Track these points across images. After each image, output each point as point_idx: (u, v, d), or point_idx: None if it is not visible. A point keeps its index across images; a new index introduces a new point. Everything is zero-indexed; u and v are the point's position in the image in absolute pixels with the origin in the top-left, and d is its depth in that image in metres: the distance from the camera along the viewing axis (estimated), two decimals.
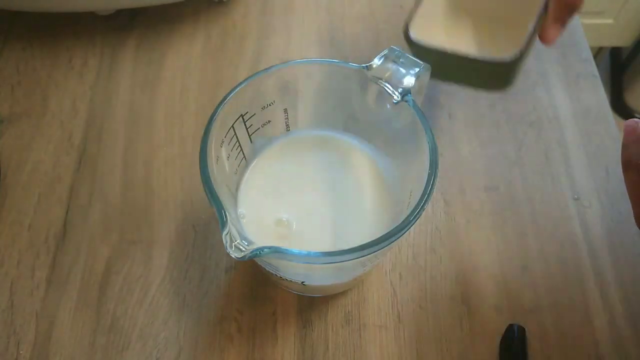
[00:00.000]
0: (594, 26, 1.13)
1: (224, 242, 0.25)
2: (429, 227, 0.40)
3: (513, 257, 0.39)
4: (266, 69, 0.32)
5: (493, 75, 0.38)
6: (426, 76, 0.32)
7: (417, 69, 0.31)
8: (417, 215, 0.27)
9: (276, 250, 0.25)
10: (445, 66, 0.37)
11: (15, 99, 0.45)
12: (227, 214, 0.26)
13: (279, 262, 0.29)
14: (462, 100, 0.46)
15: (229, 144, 0.32)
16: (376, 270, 0.38)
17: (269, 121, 0.35)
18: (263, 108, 0.33)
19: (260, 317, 0.36)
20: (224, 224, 0.25)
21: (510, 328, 0.35)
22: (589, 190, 0.42)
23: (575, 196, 0.41)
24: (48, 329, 0.35)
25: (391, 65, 0.31)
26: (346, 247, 0.26)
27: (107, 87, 0.46)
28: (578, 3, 0.35)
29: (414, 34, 0.36)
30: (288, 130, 0.37)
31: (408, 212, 0.27)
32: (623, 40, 1.18)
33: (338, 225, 0.34)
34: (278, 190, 0.35)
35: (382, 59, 0.31)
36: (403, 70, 0.31)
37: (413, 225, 0.27)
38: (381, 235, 0.26)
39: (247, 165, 0.36)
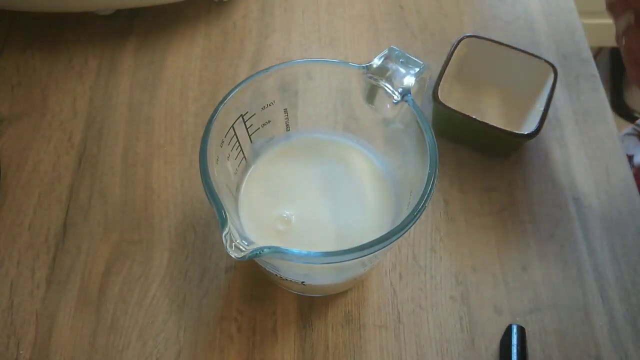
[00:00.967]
0: (594, 26, 1.13)
1: (224, 242, 0.25)
2: (429, 227, 0.40)
3: (513, 257, 0.39)
4: (266, 69, 0.32)
5: (505, 144, 0.41)
6: (426, 76, 0.32)
7: (417, 69, 0.31)
8: (417, 215, 0.27)
9: (276, 250, 0.25)
10: (461, 130, 0.42)
11: (15, 99, 0.45)
12: (227, 214, 0.26)
13: (279, 262, 0.29)
14: None
15: (229, 144, 0.32)
16: (376, 270, 0.38)
17: (269, 121, 0.35)
18: (263, 108, 0.33)
19: (260, 317, 0.36)
20: (224, 224, 0.25)
21: (510, 328, 0.35)
22: (589, 190, 0.42)
23: (575, 196, 0.41)
24: (48, 329, 0.35)
25: (391, 65, 0.31)
26: (346, 247, 0.26)
27: (107, 87, 0.46)
28: None
29: (441, 95, 0.40)
30: (288, 130, 0.37)
31: (408, 212, 0.27)
32: None
33: (338, 225, 0.34)
34: (278, 191, 0.35)
35: (382, 59, 0.31)
36: (403, 70, 0.31)
37: (413, 225, 0.27)
38: (381, 235, 0.26)
39: (247, 166, 0.36)
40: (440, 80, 0.41)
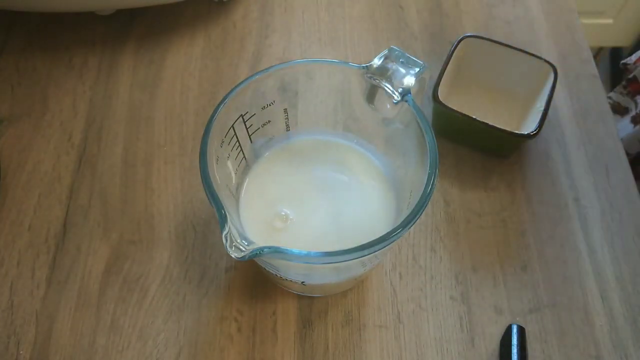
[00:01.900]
0: (594, 26, 1.13)
1: (224, 242, 0.25)
2: (429, 227, 0.40)
3: (513, 257, 0.39)
4: (266, 69, 0.32)
5: (505, 144, 0.42)
6: (426, 76, 0.32)
7: (417, 69, 0.31)
8: (417, 215, 0.27)
9: (276, 250, 0.25)
10: (461, 130, 0.42)
11: (15, 99, 0.45)
12: (227, 214, 0.26)
13: (279, 262, 0.29)
14: None
15: (229, 144, 0.32)
16: (376, 270, 0.38)
17: (269, 121, 0.35)
18: (263, 108, 0.33)
19: (260, 317, 0.36)
20: (224, 224, 0.25)
21: (510, 328, 0.35)
22: (589, 190, 0.42)
23: (575, 196, 0.41)
24: (48, 329, 0.35)
25: (391, 65, 0.31)
26: (346, 247, 0.26)
27: (107, 87, 0.46)
28: None
29: (441, 96, 0.40)
30: (288, 130, 0.37)
31: (408, 212, 0.27)
32: (623, 40, 1.18)
33: (338, 225, 0.34)
34: (278, 191, 0.35)
35: (382, 59, 0.31)
36: (403, 70, 0.31)
37: (413, 225, 0.27)
38: (381, 235, 0.26)
39: (247, 166, 0.36)
40: (440, 80, 0.41)
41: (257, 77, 0.31)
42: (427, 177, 0.28)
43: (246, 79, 0.31)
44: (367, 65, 0.31)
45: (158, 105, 0.45)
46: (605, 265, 0.39)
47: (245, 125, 0.33)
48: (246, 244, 0.25)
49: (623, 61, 0.61)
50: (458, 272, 0.38)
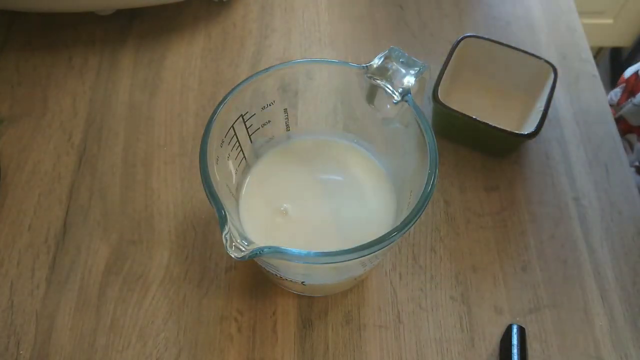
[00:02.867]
0: (594, 26, 1.13)
1: (224, 242, 0.25)
2: (429, 227, 0.40)
3: (513, 257, 0.39)
4: (266, 69, 0.32)
5: (505, 144, 0.42)
6: (426, 76, 0.32)
7: (417, 69, 0.31)
8: (417, 215, 0.27)
9: (276, 250, 0.25)
10: (461, 130, 0.42)
11: (15, 99, 0.45)
12: (227, 214, 0.26)
13: (279, 262, 0.29)
14: None
15: (229, 144, 0.32)
16: (376, 270, 0.38)
17: (269, 121, 0.35)
18: (263, 108, 0.33)
19: (260, 317, 0.36)
20: (224, 224, 0.25)
21: (510, 328, 0.35)
22: (589, 190, 0.42)
23: (575, 196, 0.41)
24: (48, 329, 0.35)
25: (391, 65, 0.31)
26: (346, 247, 0.26)
27: (107, 87, 0.46)
28: None
29: (441, 96, 0.41)
30: (288, 130, 0.37)
31: (408, 212, 0.27)
32: (623, 40, 1.18)
33: (338, 225, 0.34)
34: (278, 191, 0.35)
35: (382, 59, 0.31)
36: (403, 70, 0.31)
37: (413, 225, 0.27)
38: (381, 235, 0.26)
39: (247, 166, 0.36)
40: (440, 80, 0.41)
41: (257, 77, 0.31)
42: (427, 177, 0.28)
43: (246, 79, 0.31)
44: (367, 65, 0.31)
45: (158, 105, 0.45)
46: (605, 265, 0.39)
47: (245, 125, 0.33)
48: (246, 244, 0.25)
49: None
50: (458, 272, 0.38)
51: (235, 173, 0.34)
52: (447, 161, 0.43)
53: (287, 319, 0.36)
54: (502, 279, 0.38)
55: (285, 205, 0.34)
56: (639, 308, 0.37)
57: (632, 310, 0.37)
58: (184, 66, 0.47)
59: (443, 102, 0.40)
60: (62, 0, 0.46)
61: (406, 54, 0.31)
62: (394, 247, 0.39)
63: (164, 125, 0.44)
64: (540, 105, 0.41)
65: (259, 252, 0.25)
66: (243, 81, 0.31)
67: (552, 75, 0.41)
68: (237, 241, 0.25)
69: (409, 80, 0.30)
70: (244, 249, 0.25)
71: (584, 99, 0.46)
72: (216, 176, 0.29)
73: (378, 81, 0.31)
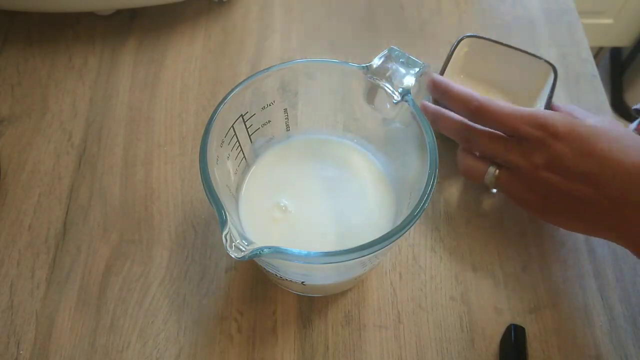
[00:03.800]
0: (594, 26, 1.13)
1: (224, 242, 0.25)
2: (429, 227, 0.40)
3: (513, 257, 0.39)
4: (266, 69, 0.32)
5: None
6: (426, 76, 0.32)
7: (417, 69, 0.31)
8: (417, 215, 0.27)
9: (276, 250, 0.25)
10: None
11: (15, 99, 0.45)
12: (227, 214, 0.26)
13: (279, 262, 0.29)
14: None
15: (229, 144, 0.32)
16: (376, 270, 0.38)
17: (269, 121, 0.35)
18: (263, 108, 0.33)
19: (260, 317, 0.36)
20: (224, 224, 0.25)
21: (510, 328, 0.35)
22: None
23: None
24: (48, 329, 0.35)
25: (391, 65, 0.31)
26: (346, 247, 0.26)
27: (107, 87, 0.46)
28: None
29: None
30: (288, 130, 0.37)
31: (408, 212, 0.27)
32: (623, 40, 1.18)
33: (338, 225, 0.34)
34: (278, 191, 0.35)
35: (382, 59, 0.31)
36: (403, 70, 0.31)
37: (413, 225, 0.27)
38: (381, 235, 0.26)
39: (247, 166, 0.36)
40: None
41: (257, 77, 0.31)
42: (427, 177, 0.28)
43: (246, 79, 0.31)
44: (367, 65, 0.31)
45: (158, 105, 0.45)
46: (605, 265, 0.39)
47: (245, 125, 0.33)
48: (246, 244, 0.25)
49: (635, 107, 0.59)
50: (458, 272, 0.38)
51: (235, 173, 0.34)
52: (447, 161, 0.43)
53: (287, 319, 0.36)
54: (502, 279, 0.38)
55: (284, 205, 0.34)
56: (639, 308, 0.37)
57: (632, 310, 0.37)
58: (184, 66, 0.47)
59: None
60: (62, 0, 0.46)
61: (406, 54, 0.31)
62: (394, 247, 0.39)
63: (164, 125, 0.44)
64: (541, 105, 0.41)
65: (259, 252, 0.25)
66: (243, 81, 0.31)
67: (552, 75, 0.41)
68: (237, 241, 0.25)
69: (409, 80, 0.30)
70: (244, 249, 0.25)
71: (584, 99, 0.46)
72: (216, 176, 0.29)
73: (378, 81, 0.31)
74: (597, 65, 0.49)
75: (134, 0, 0.47)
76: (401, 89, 0.30)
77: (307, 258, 0.25)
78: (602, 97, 0.46)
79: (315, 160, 0.37)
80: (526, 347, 0.35)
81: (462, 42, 0.43)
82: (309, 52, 0.49)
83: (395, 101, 0.31)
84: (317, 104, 0.36)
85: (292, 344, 0.35)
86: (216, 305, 0.36)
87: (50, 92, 0.46)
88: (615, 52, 1.26)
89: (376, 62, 0.31)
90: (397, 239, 0.26)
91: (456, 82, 0.44)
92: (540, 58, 0.42)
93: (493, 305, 0.37)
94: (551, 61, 0.42)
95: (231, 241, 0.25)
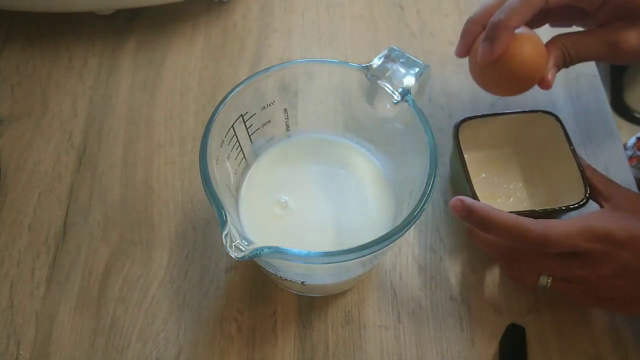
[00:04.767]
0: None
1: (224, 242, 0.25)
2: (429, 227, 0.40)
3: None
4: (266, 69, 0.32)
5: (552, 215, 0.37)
6: (426, 76, 0.32)
7: (417, 69, 0.31)
8: (417, 215, 0.27)
9: (276, 250, 0.25)
10: None
11: (15, 99, 0.45)
12: (227, 214, 0.26)
13: (279, 262, 0.29)
14: (463, 101, 0.46)
15: (229, 144, 0.32)
16: (376, 270, 0.38)
17: (269, 121, 0.35)
18: (263, 108, 0.33)
19: (260, 317, 0.36)
20: (224, 224, 0.25)
21: (510, 328, 0.35)
22: None
23: None
24: (48, 329, 0.35)
25: (391, 65, 0.31)
26: (346, 247, 0.26)
27: (107, 87, 0.46)
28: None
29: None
30: (288, 130, 0.37)
31: (408, 212, 0.27)
32: None
33: (338, 225, 0.34)
34: (278, 191, 0.35)
35: (382, 59, 0.31)
36: (403, 70, 0.31)
37: (413, 225, 0.27)
38: (381, 235, 0.26)
39: (247, 166, 0.36)
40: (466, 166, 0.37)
41: (257, 77, 0.31)
42: (427, 177, 0.28)
43: (246, 79, 0.31)
44: (367, 65, 0.31)
45: (158, 105, 0.45)
46: None
47: (245, 125, 0.33)
48: (246, 244, 0.25)
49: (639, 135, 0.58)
50: (458, 272, 0.38)
51: (235, 173, 0.34)
52: (447, 161, 0.43)
53: (287, 319, 0.36)
54: (502, 279, 0.38)
55: (285, 201, 0.34)
56: None
57: None
58: (184, 66, 0.47)
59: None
60: (62, 0, 0.46)
61: (406, 54, 0.31)
62: (394, 247, 0.39)
63: (164, 125, 0.44)
64: (564, 159, 0.38)
65: (259, 252, 0.25)
66: (243, 81, 0.31)
67: (557, 125, 0.38)
68: (237, 241, 0.25)
69: (409, 80, 0.30)
70: (244, 249, 0.25)
71: (584, 99, 0.46)
72: (216, 176, 0.29)
73: (378, 81, 0.31)
74: (597, 65, 0.49)
75: (134, 0, 0.47)
76: (401, 89, 0.30)
77: (307, 258, 0.25)
78: (602, 97, 0.46)
79: (315, 160, 0.37)
80: (526, 347, 0.35)
81: (461, 126, 0.39)
82: (309, 52, 0.49)
83: (395, 101, 0.31)
84: (317, 104, 0.36)
85: (292, 344, 0.35)
86: (216, 305, 0.36)
87: (50, 92, 0.46)
88: None
89: (376, 62, 0.31)
90: (397, 239, 0.26)
91: (479, 180, 0.40)
92: (537, 111, 0.39)
93: (493, 305, 0.37)
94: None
95: (231, 241, 0.25)
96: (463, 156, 0.37)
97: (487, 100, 0.45)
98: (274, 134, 0.36)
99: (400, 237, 0.26)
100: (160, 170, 0.42)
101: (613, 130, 0.45)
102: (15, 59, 0.48)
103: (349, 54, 0.49)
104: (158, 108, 0.45)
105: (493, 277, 0.38)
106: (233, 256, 0.25)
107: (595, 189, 0.36)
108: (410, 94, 0.30)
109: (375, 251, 0.26)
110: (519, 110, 0.40)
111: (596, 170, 0.37)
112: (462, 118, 0.39)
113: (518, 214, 0.32)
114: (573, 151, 0.37)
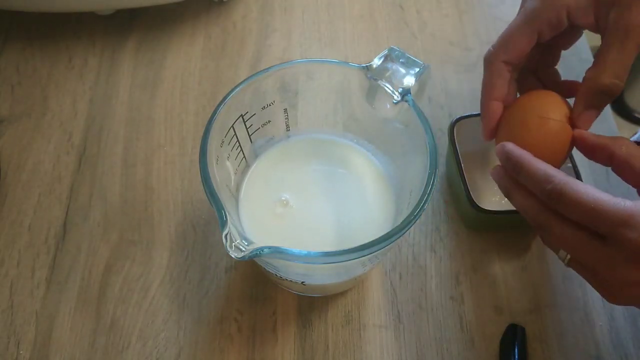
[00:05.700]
0: None
1: (224, 242, 0.25)
2: (429, 227, 0.40)
3: (513, 257, 0.39)
4: (266, 69, 0.32)
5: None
6: (426, 76, 0.32)
7: (417, 69, 0.31)
8: (417, 215, 0.27)
9: (276, 250, 0.25)
10: (503, 224, 0.39)
11: (15, 99, 0.45)
12: (227, 214, 0.26)
13: (279, 262, 0.29)
14: (463, 100, 0.46)
15: (229, 144, 0.32)
16: (376, 270, 0.38)
17: (269, 121, 0.35)
18: (263, 108, 0.33)
19: (260, 317, 0.36)
20: (224, 224, 0.25)
21: (510, 328, 0.35)
22: None
23: None
24: (48, 329, 0.35)
25: (391, 65, 0.31)
26: (346, 247, 0.26)
27: (107, 87, 0.46)
28: (616, 90, 0.31)
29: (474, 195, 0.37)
30: (288, 130, 0.37)
31: (408, 212, 0.27)
32: None
33: (338, 225, 0.34)
34: (278, 191, 0.35)
35: (382, 59, 0.31)
36: (403, 70, 0.31)
37: (413, 225, 0.27)
38: (381, 235, 0.26)
39: (247, 166, 0.36)
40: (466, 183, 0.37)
41: (257, 77, 0.31)
42: (427, 177, 0.28)
43: (246, 79, 0.31)
44: (367, 65, 0.31)
45: (158, 105, 0.45)
46: None
47: (245, 125, 0.33)
48: (246, 244, 0.25)
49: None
50: (458, 272, 0.38)
51: (235, 173, 0.34)
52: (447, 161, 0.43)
53: (287, 319, 0.36)
54: (502, 279, 0.38)
55: (286, 199, 0.34)
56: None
57: (632, 310, 0.37)
58: (184, 66, 0.47)
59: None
60: (62, 0, 0.46)
61: (406, 54, 0.31)
62: (394, 247, 0.39)
63: (164, 125, 0.44)
64: None
65: (259, 252, 0.25)
66: (243, 81, 0.31)
67: None
68: (237, 241, 0.25)
69: (409, 80, 0.30)
70: (244, 249, 0.25)
71: None
72: (216, 176, 0.29)
73: (378, 81, 0.31)
74: None
75: (134, 0, 0.47)
76: (401, 89, 0.30)
77: (307, 258, 0.25)
78: None
79: (315, 160, 0.37)
80: (526, 347, 0.35)
81: (454, 128, 0.39)
82: (309, 52, 0.49)
83: (395, 101, 0.31)
84: (317, 104, 0.36)
85: (292, 344, 0.35)
86: (216, 305, 0.36)
87: (50, 92, 0.46)
88: None
89: (376, 62, 0.31)
90: (397, 239, 0.26)
91: (475, 179, 0.40)
92: None
93: (493, 305, 0.37)
94: None
95: (231, 241, 0.25)
96: (458, 155, 0.38)
97: None
98: (274, 133, 0.36)
99: (400, 237, 0.26)
100: (160, 170, 0.42)
101: (613, 130, 0.45)
102: (15, 59, 0.48)
103: (349, 54, 0.49)
104: (158, 108, 0.45)
105: (493, 277, 0.38)
106: (233, 256, 0.25)
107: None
108: (410, 94, 0.30)
109: (376, 251, 0.26)
110: None
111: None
112: (458, 117, 0.39)
113: (513, 213, 0.32)
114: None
